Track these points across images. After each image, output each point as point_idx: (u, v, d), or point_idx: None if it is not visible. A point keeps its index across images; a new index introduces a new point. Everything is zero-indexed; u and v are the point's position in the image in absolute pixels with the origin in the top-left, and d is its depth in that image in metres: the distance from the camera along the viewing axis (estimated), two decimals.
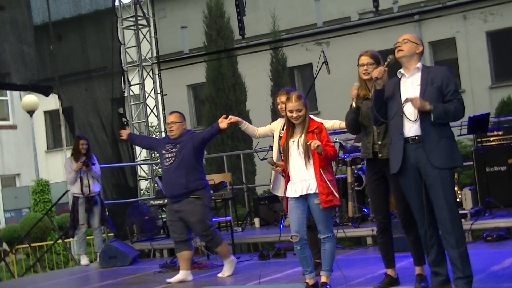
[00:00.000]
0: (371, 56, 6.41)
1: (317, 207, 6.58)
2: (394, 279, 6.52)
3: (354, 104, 6.37)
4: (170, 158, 8.38)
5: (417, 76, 5.90)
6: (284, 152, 6.72)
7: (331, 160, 6.72)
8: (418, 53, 5.95)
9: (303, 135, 6.62)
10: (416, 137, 5.80)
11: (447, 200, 5.76)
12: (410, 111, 5.82)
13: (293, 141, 6.67)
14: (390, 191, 6.43)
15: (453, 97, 5.79)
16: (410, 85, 5.90)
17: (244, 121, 8.30)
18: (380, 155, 6.27)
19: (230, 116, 8.24)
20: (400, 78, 5.98)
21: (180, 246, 8.50)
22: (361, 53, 6.51)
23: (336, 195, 6.59)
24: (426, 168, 5.79)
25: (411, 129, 5.83)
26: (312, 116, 6.88)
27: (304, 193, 6.59)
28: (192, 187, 8.31)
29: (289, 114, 6.65)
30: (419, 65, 5.94)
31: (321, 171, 6.54)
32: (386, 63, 6.04)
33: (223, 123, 8.17)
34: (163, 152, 8.49)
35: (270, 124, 8.17)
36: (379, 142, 6.28)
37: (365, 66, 6.39)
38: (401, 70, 6.00)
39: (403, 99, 5.87)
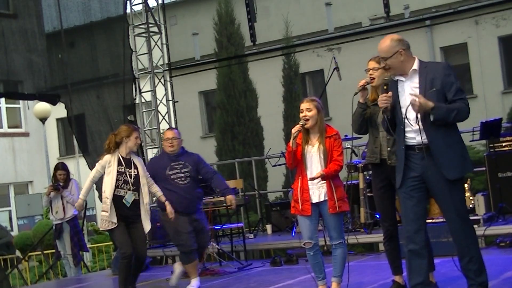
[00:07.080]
0: (378, 61, 6.14)
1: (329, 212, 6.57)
2: (402, 285, 6.50)
3: (360, 96, 6.18)
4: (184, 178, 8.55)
5: (415, 79, 5.47)
6: (302, 158, 6.62)
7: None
8: (402, 57, 5.43)
9: (321, 141, 6.59)
10: (423, 146, 5.37)
11: (458, 211, 5.46)
12: (413, 117, 5.39)
13: (312, 146, 6.64)
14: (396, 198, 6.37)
15: (456, 97, 5.36)
16: (408, 90, 5.46)
17: None
18: (389, 161, 6.19)
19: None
20: (397, 83, 5.56)
21: (194, 255, 8.50)
22: (370, 59, 6.40)
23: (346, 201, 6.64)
24: (434, 178, 5.43)
25: (416, 137, 5.43)
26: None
27: (322, 199, 6.56)
28: None
29: (300, 114, 6.65)
30: (415, 65, 5.48)
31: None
32: (385, 87, 5.55)
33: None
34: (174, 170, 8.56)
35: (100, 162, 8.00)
36: (389, 149, 6.19)
37: (370, 71, 6.31)
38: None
39: (402, 106, 5.47)
